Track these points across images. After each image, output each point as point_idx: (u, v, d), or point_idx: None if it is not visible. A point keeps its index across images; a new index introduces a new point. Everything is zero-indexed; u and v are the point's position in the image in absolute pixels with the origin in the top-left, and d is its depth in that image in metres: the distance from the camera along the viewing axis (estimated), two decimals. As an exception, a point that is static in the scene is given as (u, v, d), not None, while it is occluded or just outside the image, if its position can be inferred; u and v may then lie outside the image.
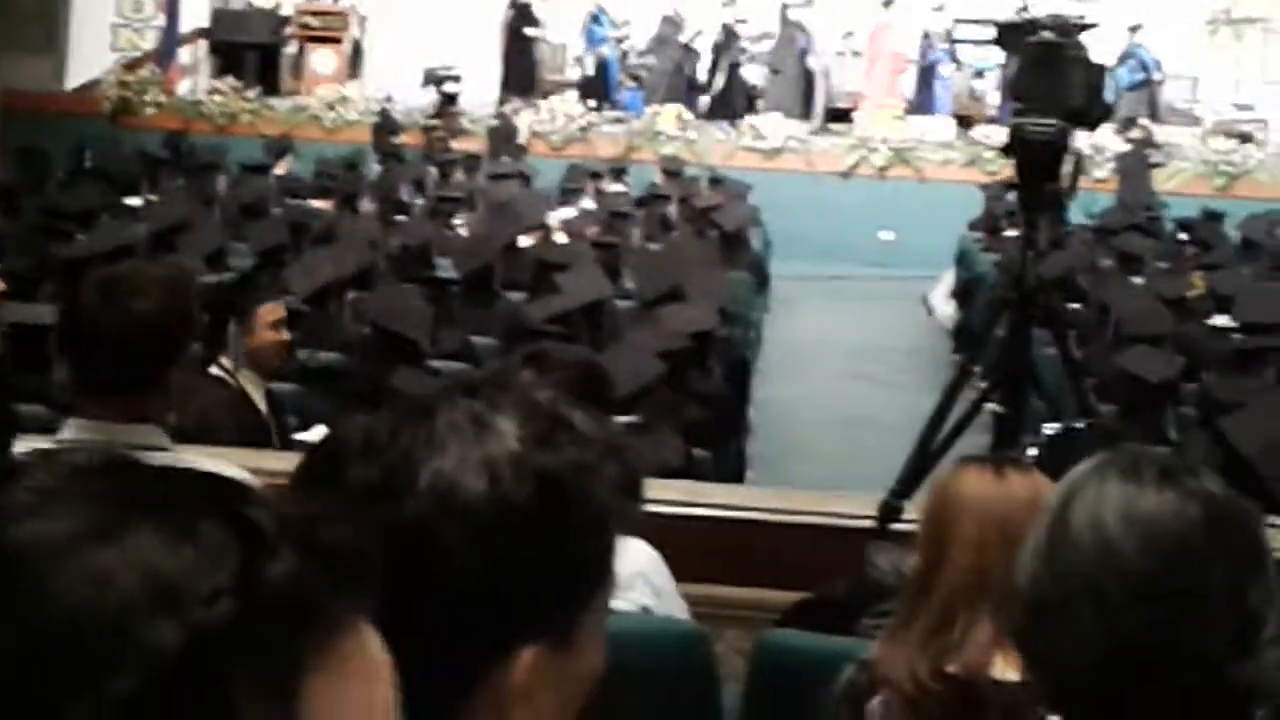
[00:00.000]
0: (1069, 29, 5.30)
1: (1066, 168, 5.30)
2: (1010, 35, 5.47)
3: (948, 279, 15.84)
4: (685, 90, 21.50)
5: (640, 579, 3.47)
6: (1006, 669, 2.75)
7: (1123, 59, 20.81)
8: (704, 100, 21.73)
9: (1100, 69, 5.60)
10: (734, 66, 21.67)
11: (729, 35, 21.72)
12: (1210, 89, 21.72)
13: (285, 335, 6.60)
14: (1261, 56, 21.75)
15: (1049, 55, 5.22)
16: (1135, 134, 19.44)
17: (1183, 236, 14.46)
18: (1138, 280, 11.63)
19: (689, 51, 21.79)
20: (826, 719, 2.86)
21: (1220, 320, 10.28)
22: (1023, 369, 5.42)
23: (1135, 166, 18.69)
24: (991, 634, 2.79)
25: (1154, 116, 20.80)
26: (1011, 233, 14.29)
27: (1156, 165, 19.07)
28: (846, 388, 13.25)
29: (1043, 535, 1.91)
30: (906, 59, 21.46)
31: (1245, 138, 20.41)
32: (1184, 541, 1.85)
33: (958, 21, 5.36)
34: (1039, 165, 5.29)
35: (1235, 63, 21.77)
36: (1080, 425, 4.19)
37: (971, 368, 5.78)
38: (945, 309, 15.51)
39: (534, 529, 1.42)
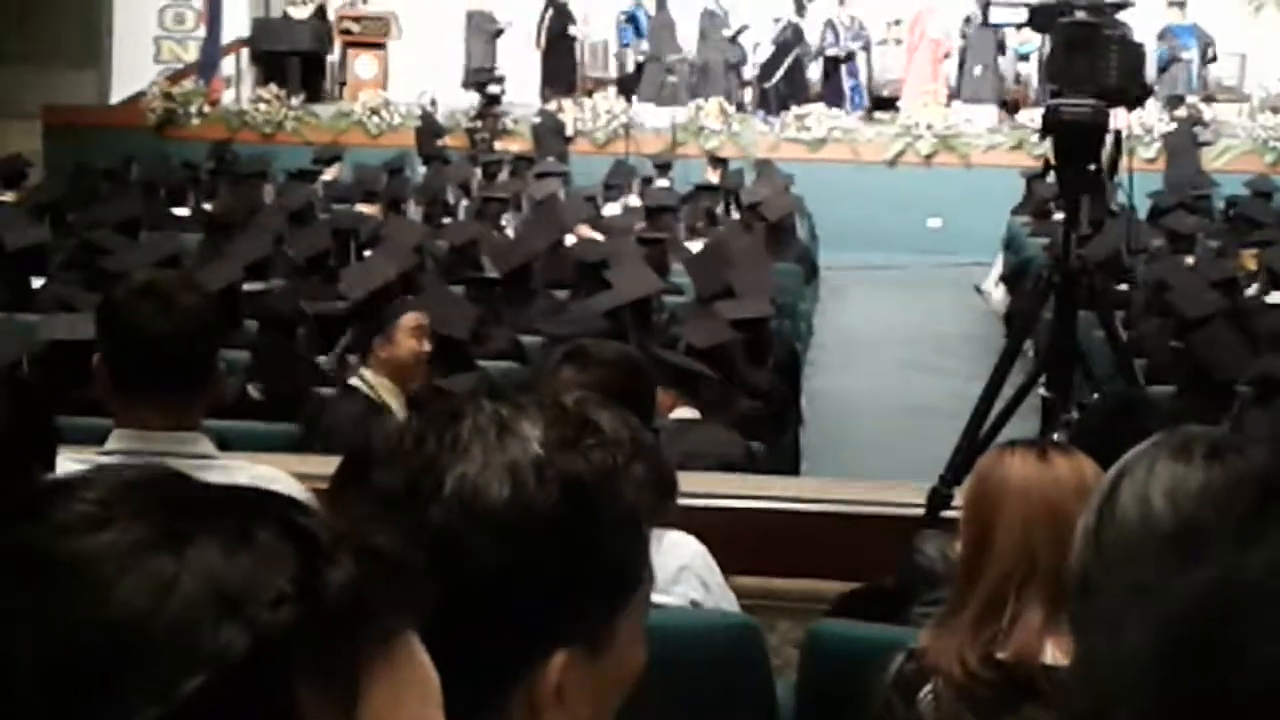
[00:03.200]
0: (1103, 8, 5.26)
1: (1107, 148, 5.26)
2: (1044, 16, 5.42)
3: (999, 264, 15.78)
4: (731, 84, 21.50)
5: (688, 573, 3.46)
6: (1057, 654, 2.73)
7: (1162, 35, 20.70)
8: (748, 93, 21.76)
9: (1138, 47, 5.55)
10: (798, 61, 21.65)
11: (796, 31, 21.70)
12: (1258, 65, 21.53)
13: (426, 345, 6.56)
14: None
15: (1083, 35, 5.17)
16: (1182, 112, 19.31)
17: (1233, 214, 14.37)
18: (1188, 260, 11.55)
19: (734, 45, 21.78)
20: (878, 709, 2.84)
21: (1275, 297, 10.21)
22: (1069, 351, 5.39)
23: (1183, 145, 18.55)
24: (1041, 619, 2.76)
25: (1203, 94, 20.65)
26: (1059, 216, 14.20)
27: (1205, 144, 18.93)
28: (899, 377, 13.20)
29: (1092, 516, 1.90)
30: (948, 45, 21.38)
31: (1293, 112, 20.27)
32: None
33: (990, 4, 5.30)
34: (1077, 147, 5.25)
35: (1282, 39, 21.59)
36: (1098, 396, 4.18)
37: (1016, 352, 5.75)
38: (997, 294, 15.45)
39: (559, 533, 1.41)
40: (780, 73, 21.52)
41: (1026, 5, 5.56)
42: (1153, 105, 20.11)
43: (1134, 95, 5.47)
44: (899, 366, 13.56)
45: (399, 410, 6.28)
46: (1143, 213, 14.65)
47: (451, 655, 1.38)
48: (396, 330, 6.45)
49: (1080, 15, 5.21)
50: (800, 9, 21.64)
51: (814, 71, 21.96)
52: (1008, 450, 2.99)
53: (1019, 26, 6.01)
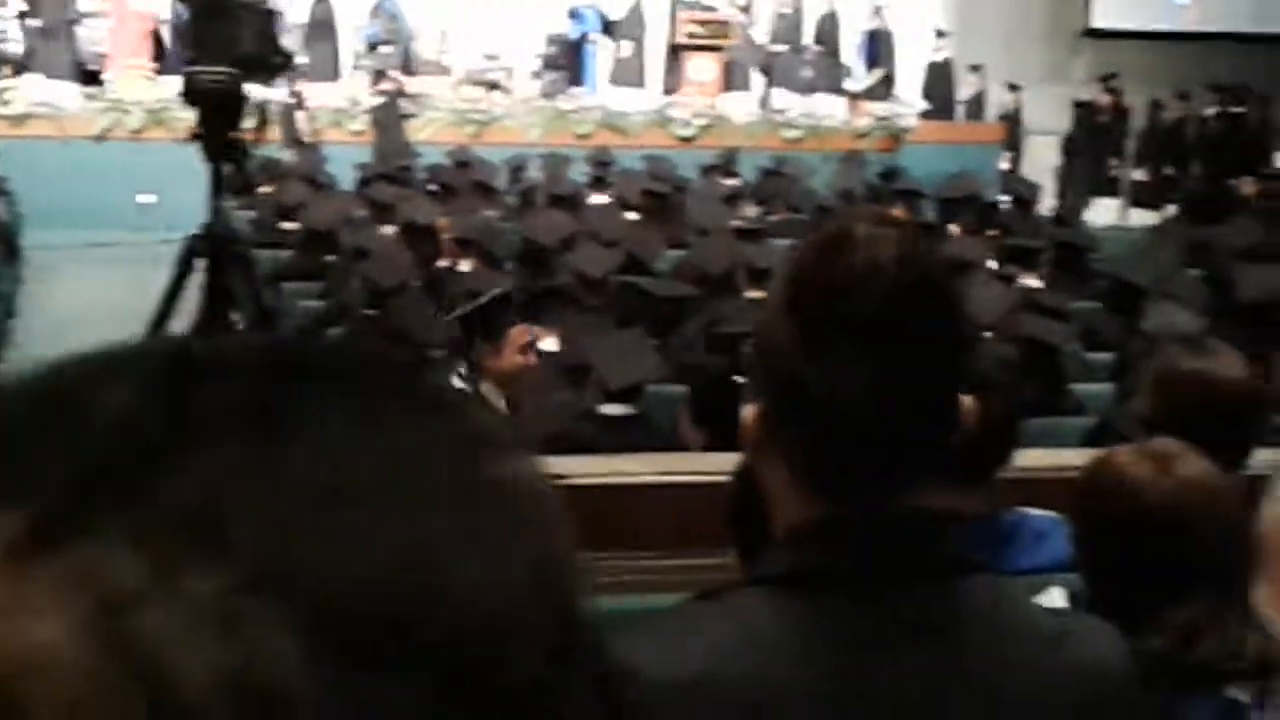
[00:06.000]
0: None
1: (250, 117, 5.35)
2: (184, -18, 5.44)
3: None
4: None
5: None
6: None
7: (374, 11, 21.17)
8: None
9: (271, 16, 5.64)
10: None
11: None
12: (459, 40, 22.35)
13: (532, 359, 7.02)
14: (504, 5, 22.55)
15: (218, 4, 5.23)
16: (386, 86, 19.81)
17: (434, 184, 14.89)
18: (389, 229, 11.88)
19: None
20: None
21: (466, 265, 10.66)
22: (221, 317, 5.47)
23: (388, 118, 19.05)
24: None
25: (407, 69, 21.23)
26: (266, 189, 14.34)
27: (409, 116, 19.51)
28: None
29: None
30: (156, 18, 21.04)
31: (493, 86, 21.17)
32: None
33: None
34: (217, 115, 5.32)
35: (481, 13, 22.48)
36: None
37: (163, 321, 5.78)
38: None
39: None
40: None
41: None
42: (361, 78, 20.58)
43: (272, 64, 5.57)
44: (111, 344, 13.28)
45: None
46: (350, 184, 15.03)
47: None
48: (505, 345, 6.99)
49: (212, -17, 5.25)
50: None
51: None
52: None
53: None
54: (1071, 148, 23.28)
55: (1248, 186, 19.15)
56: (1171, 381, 3.25)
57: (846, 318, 1.57)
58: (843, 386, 1.55)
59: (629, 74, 21.49)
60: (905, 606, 1.59)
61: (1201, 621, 2.54)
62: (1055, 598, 2.86)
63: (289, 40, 20.37)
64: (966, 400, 1.64)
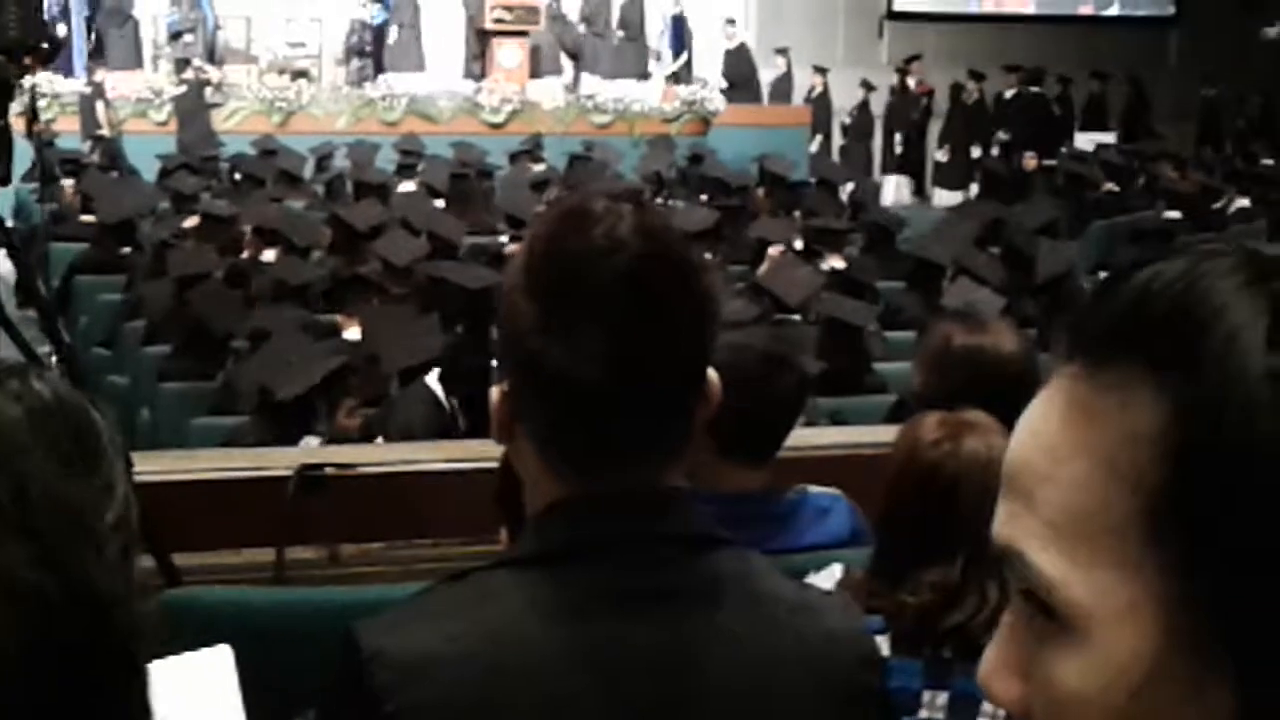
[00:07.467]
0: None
1: (19, 105, 5.22)
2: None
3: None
4: None
5: None
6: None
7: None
8: None
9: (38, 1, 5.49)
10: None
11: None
12: (264, 29, 22.01)
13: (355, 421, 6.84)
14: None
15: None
16: (190, 75, 19.48)
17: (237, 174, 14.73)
18: (191, 220, 11.73)
19: None
20: None
21: (270, 255, 10.55)
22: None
23: (192, 108, 18.76)
24: None
25: (211, 57, 20.89)
26: (67, 182, 14.09)
27: (214, 105, 19.23)
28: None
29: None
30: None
31: (300, 74, 20.91)
32: None
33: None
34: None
35: (286, 0, 22.17)
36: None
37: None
38: (4, 266, 15.04)
39: None
40: None
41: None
42: (164, 67, 20.23)
43: (42, 50, 5.41)
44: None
45: None
46: (152, 175, 14.83)
47: None
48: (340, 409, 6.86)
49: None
50: None
51: None
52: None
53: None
54: (853, 129, 23.57)
55: (1030, 162, 19.60)
56: (944, 358, 3.30)
57: (585, 293, 1.57)
58: (581, 363, 1.55)
59: (406, 59, 21.28)
60: (641, 578, 1.61)
61: (958, 584, 2.59)
62: (836, 573, 2.90)
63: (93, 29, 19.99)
64: (713, 376, 1.65)
